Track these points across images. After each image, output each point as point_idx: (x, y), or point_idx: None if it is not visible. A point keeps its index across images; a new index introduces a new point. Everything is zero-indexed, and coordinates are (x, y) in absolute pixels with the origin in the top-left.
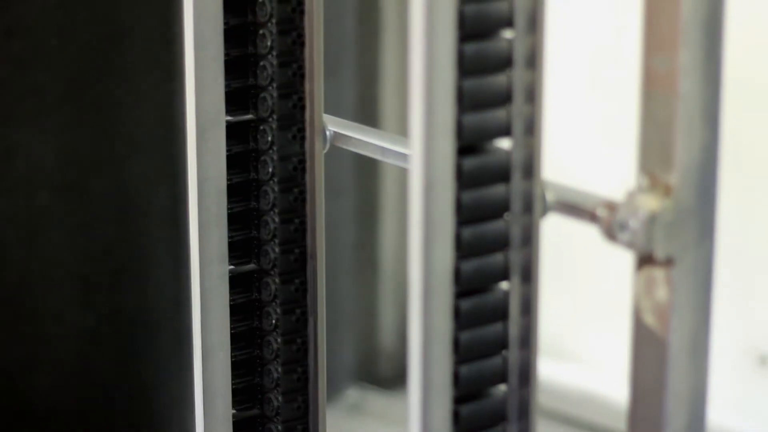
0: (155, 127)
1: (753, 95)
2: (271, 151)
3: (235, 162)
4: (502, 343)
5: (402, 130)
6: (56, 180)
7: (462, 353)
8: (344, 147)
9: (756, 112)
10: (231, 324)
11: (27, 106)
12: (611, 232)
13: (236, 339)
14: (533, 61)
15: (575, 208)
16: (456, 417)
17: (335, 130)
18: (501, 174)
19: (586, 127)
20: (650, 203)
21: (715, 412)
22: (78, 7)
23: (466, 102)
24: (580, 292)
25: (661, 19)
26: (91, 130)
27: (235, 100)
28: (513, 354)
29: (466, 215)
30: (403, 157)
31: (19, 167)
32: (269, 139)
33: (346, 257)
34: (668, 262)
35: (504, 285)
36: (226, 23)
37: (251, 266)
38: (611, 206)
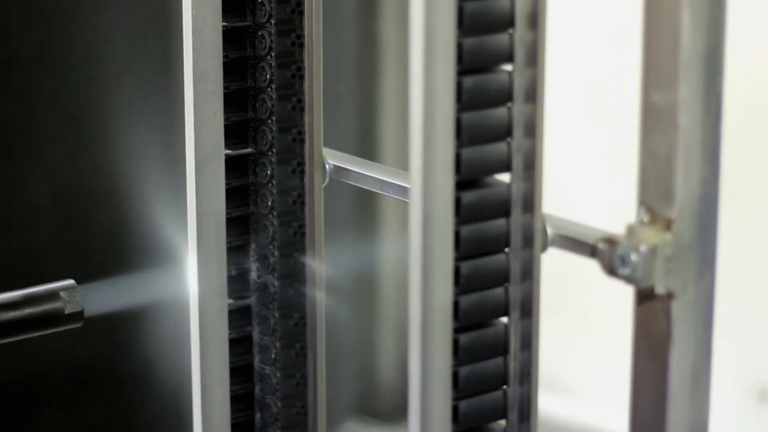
0: (154, 160)
1: (752, 128)
2: (270, 185)
3: (234, 195)
4: (501, 378)
5: (402, 164)
6: (54, 214)
7: (462, 388)
8: (344, 180)
9: (756, 145)
10: (230, 358)
11: (25, 139)
12: (611, 266)
13: (235, 373)
14: (533, 94)
15: (575, 242)
16: None
17: (335, 163)
18: (501, 208)
19: (586, 160)
20: (650, 237)
21: None
22: (76, 41)
23: (465, 135)
24: (581, 326)
25: (660, 53)
26: (88, 164)
27: (234, 133)
28: (513, 389)
29: (465, 249)
30: (403, 190)
31: (19, 201)
32: (268, 172)
33: (345, 291)
34: (668, 297)
35: (504, 319)
36: (225, 57)
37: (250, 301)
38: (611, 240)
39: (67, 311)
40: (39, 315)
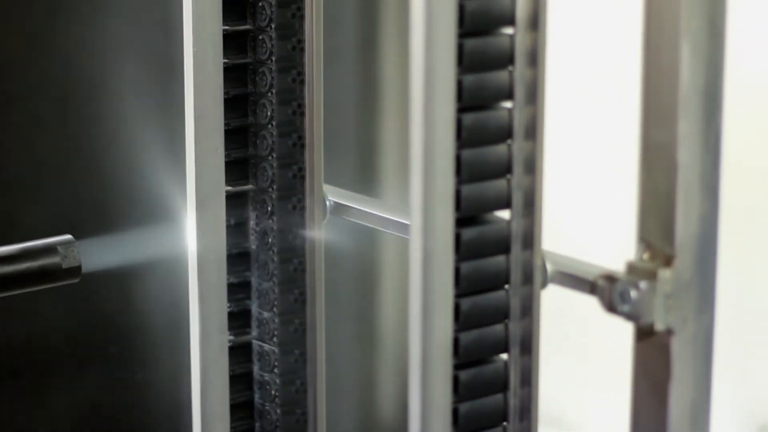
0: (154, 197)
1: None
2: (271, 222)
3: (234, 232)
4: (501, 415)
5: (402, 201)
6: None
7: (462, 424)
8: (344, 217)
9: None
10: (230, 394)
11: (25, 173)
12: (611, 303)
13: (236, 410)
14: (533, 131)
15: (575, 279)
16: None
17: (335, 200)
18: (501, 244)
19: (585, 196)
20: (650, 274)
21: None
22: (76, 77)
23: (465, 172)
24: (580, 362)
25: (659, 89)
26: (88, 198)
27: (235, 169)
28: (512, 425)
29: (465, 286)
30: (404, 227)
31: (18, 233)
32: (269, 209)
33: (346, 327)
34: (668, 333)
35: (504, 356)
36: (226, 93)
37: (250, 337)
38: (611, 277)
39: (64, 266)
40: (36, 269)
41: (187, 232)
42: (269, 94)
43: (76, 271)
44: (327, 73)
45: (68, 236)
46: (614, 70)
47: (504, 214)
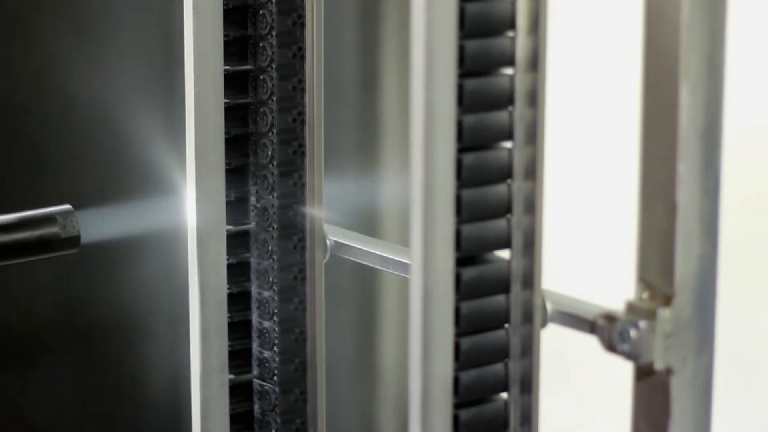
0: (154, 235)
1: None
2: (271, 261)
3: (235, 271)
4: None
5: (402, 239)
6: (53, 293)
7: None
8: (345, 256)
9: (753, 221)
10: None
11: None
12: (611, 342)
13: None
14: (533, 171)
15: (575, 318)
16: None
17: (336, 239)
18: (501, 284)
19: (585, 235)
20: (649, 314)
21: None
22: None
23: (465, 212)
24: (580, 401)
25: (659, 130)
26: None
27: (235, 209)
28: None
29: (465, 325)
30: (404, 266)
31: (19, 284)
32: (270, 248)
33: (346, 366)
34: (668, 372)
35: (504, 395)
36: (227, 132)
37: (251, 376)
38: (611, 316)
39: (63, 235)
40: (35, 239)
41: (189, 270)
42: (270, 134)
43: (75, 240)
44: (327, 112)
45: (67, 206)
46: (612, 107)
47: (504, 254)
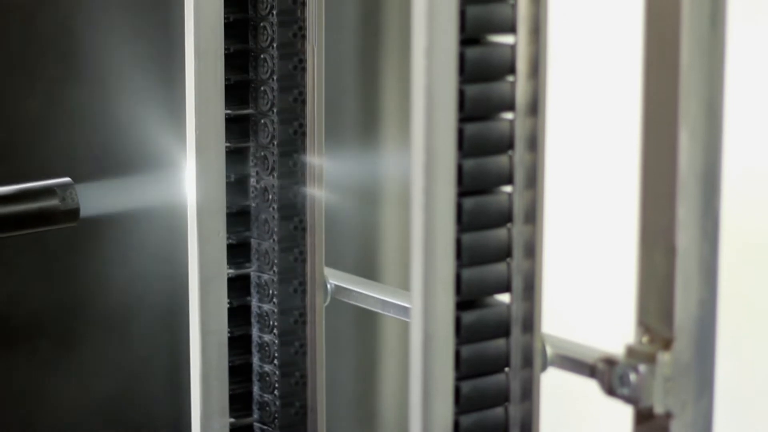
0: (155, 280)
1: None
2: (272, 305)
3: (235, 314)
4: None
5: (403, 284)
6: (54, 331)
7: None
8: (345, 300)
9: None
10: None
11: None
12: (611, 386)
13: None
14: (533, 215)
15: (575, 362)
16: None
17: (336, 283)
18: (501, 328)
19: (584, 279)
20: (649, 357)
21: None
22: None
23: (465, 256)
24: None
25: (658, 174)
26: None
27: (236, 252)
28: None
29: (465, 369)
30: (404, 310)
31: (20, 315)
32: (270, 292)
33: (346, 410)
34: (667, 417)
35: None
36: (228, 177)
37: (251, 419)
38: (610, 360)
39: (62, 208)
40: (35, 211)
41: (190, 314)
42: (271, 176)
43: (74, 213)
44: (327, 160)
45: (67, 179)
46: (611, 148)
47: (504, 298)
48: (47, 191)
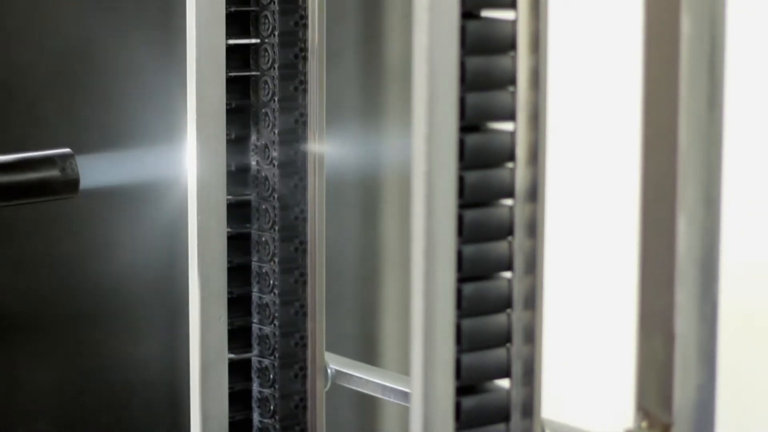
0: (157, 363)
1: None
2: (272, 390)
3: (236, 399)
4: None
5: (403, 369)
6: (56, 414)
7: None
8: (346, 385)
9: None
10: None
11: (29, 337)
12: None
13: None
14: (532, 301)
15: None
16: None
17: (337, 368)
18: (500, 413)
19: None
20: None
21: None
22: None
23: (465, 341)
24: None
25: (656, 259)
26: (92, 363)
27: (237, 337)
28: None
29: None
30: (404, 395)
31: (21, 399)
32: (271, 377)
33: None
34: None
35: None
36: (230, 262)
37: None
38: None
39: (62, 178)
40: (35, 181)
41: (191, 398)
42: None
43: (74, 184)
44: (329, 241)
45: (67, 149)
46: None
47: (504, 383)
48: (47, 161)
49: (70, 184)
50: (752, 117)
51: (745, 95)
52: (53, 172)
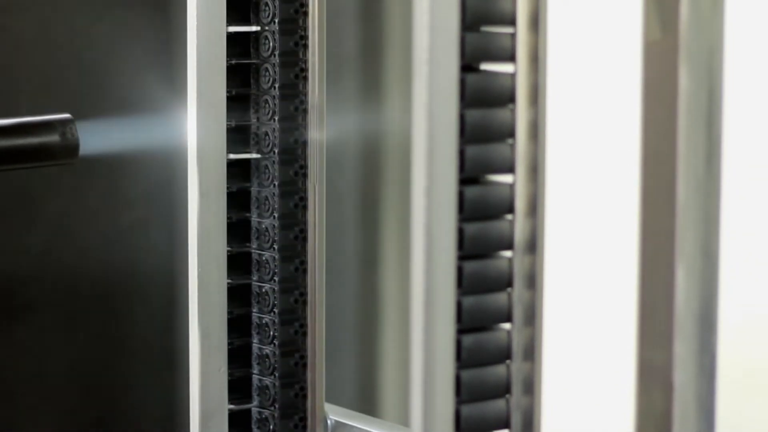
0: (157, 413)
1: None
2: None
3: None
4: None
5: (403, 419)
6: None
7: None
8: None
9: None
10: None
11: (29, 391)
12: None
13: None
14: (532, 352)
15: None
16: None
17: (336, 418)
18: None
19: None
20: None
21: None
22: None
23: (465, 393)
24: None
25: (655, 311)
26: (93, 415)
27: (237, 387)
28: None
29: None
30: None
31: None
32: (271, 427)
33: None
34: None
35: None
36: (230, 314)
37: None
38: None
39: (62, 143)
40: (35, 146)
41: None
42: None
43: (74, 149)
44: (329, 292)
45: (67, 115)
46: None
47: None
48: (47, 125)
49: (69, 149)
50: (751, 166)
51: (745, 145)
52: (53, 138)
